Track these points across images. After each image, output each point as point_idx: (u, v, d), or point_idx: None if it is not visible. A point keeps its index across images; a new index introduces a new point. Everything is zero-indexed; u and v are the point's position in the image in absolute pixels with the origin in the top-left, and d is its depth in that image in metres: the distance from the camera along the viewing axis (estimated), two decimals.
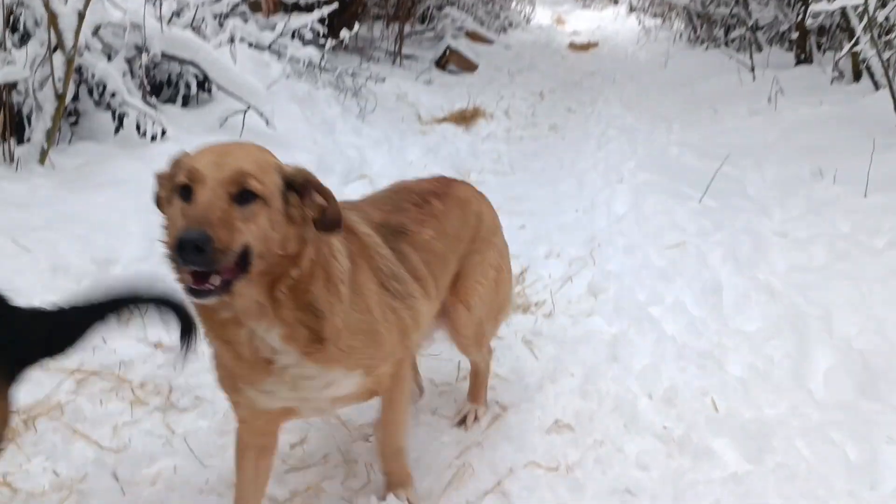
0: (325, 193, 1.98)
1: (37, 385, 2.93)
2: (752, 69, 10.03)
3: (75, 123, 5.74)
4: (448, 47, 12.23)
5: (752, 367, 3.15)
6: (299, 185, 1.96)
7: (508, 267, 2.99)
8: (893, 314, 3.77)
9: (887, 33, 6.95)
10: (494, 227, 2.92)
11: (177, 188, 1.87)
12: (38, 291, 3.27)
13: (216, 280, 1.81)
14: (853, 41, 6.98)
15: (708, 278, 4.00)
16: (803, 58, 10.32)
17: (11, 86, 4.88)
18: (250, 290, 1.91)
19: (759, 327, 3.49)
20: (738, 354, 3.27)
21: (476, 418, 2.91)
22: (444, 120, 8.43)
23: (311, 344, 2.03)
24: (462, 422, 2.90)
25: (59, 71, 4.88)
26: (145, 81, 5.76)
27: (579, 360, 3.29)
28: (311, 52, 8.02)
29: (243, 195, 1.84)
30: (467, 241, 2.74)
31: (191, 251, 1.73)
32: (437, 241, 2.56)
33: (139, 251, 3.92)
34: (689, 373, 3.11)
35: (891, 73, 6.46)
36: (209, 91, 6.53)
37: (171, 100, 6.51)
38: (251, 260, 1.86)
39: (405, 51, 11.94)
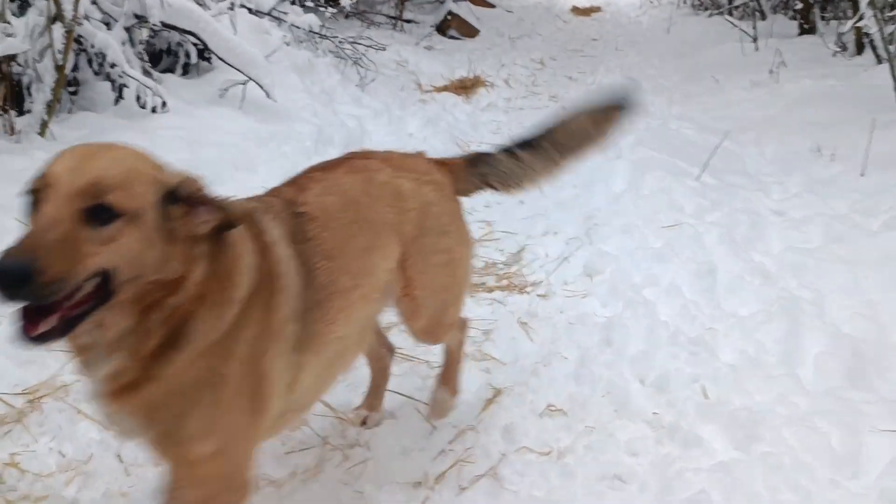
0: (214, 206, 1.69)
1: (41, 366, 3.00)
2: (755, 39, 9.96)
3: (75, 93, 5.73)
4: (449, 12, 12.12)
5: (743, 354, 3.21)
6: (184, 198, 1.67)
7: (461, 241, 2.60)
8: (885, 298, 3.83)
9: (891, 9, 6.90)
10: (427, 203, 2.45)
11: (28, 196, 1.60)
12: None
13: (51, 321, 1.52)
14: (857, 17, 6.94)
15: (703, 260, 4.05)
16: (807, 28, 10.25)
17: (11, 57, 4.87)
18: (118, 318, 1.63)
19: (752, 312, 3.54)
20: (729, 340, 3.32)
21: (444, 410, 2.83)
22: (445, 89, 8.40)
23: (131, 384, 1.71)
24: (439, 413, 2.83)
25: (59, 42, 4.87)
26: (145, 57, 5.73)
27: (574, 344, 3.35)
28: (312, 20, 7.97)
29: (100, 210, 1.54)
30: (390, 218, 2.34)
31: (8, 284, 1.43)
32: (339, 217, 2.18)
33: None
34: (681, 359, 3.17)
35: (892, 48, 6.43)
36: (209, 60, 6.51)
37: (171, 69, 6.49)
38: (114, 287, 1.57)
39: (406, 15, 11.83)
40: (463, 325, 2.87)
